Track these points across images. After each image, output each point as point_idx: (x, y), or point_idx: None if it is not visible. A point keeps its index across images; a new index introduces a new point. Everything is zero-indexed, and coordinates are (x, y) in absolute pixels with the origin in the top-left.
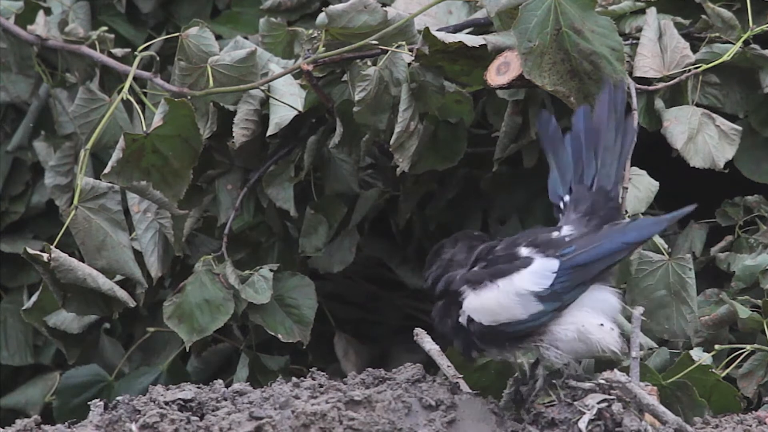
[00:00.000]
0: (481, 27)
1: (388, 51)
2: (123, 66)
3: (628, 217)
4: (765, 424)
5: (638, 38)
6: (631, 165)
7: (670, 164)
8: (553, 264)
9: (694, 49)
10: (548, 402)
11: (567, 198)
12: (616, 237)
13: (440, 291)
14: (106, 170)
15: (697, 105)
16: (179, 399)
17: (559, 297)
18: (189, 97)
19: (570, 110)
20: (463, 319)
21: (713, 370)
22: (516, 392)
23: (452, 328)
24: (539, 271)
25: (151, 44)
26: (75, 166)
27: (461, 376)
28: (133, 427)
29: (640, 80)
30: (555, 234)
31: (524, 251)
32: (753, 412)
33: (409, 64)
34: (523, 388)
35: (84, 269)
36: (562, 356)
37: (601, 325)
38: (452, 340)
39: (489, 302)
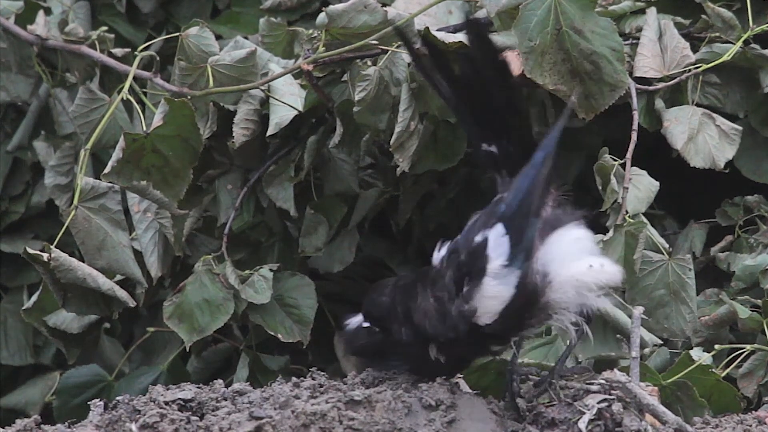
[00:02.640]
0: None
1: (388, 51)
2: (123, 66)
3: (630, 218)
4: (765, 424)
5: (638, 38)
6: (632, 165)
7: (671, 164)
8: (499, 229)
9: (695, 49)
10: (548, 402)
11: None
12: (527, 171)
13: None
14: (106, 170)
15: (698, 105)
16: (179, 399)
17: (521, 249)
18: (189, 97)
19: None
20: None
21: (713, 370)
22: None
23: (454, 320)
24: (495, 244)
25: (151, 44)
26: (75, 166)
27: (461, 376)
28: (133, 427)
29: (640, 80)
30: (494, 204)
31: (479, 237)
32: (753, 412)
33: (409, 64)
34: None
35: (84, 269)
36: (574, 316)
37: (590, 266)
38: (449, 339)
39: (491, 295)
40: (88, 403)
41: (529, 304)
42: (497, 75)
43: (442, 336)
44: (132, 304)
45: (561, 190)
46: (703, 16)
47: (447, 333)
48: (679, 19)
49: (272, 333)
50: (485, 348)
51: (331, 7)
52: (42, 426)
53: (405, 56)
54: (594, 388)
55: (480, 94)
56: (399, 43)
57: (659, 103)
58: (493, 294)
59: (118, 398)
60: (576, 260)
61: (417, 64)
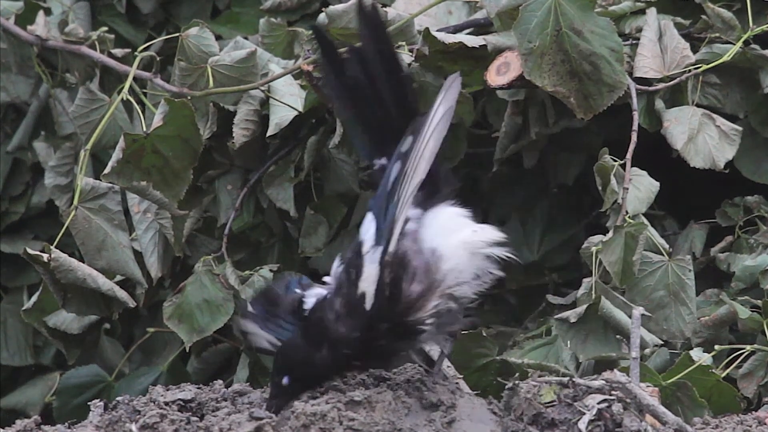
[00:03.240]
0: (481, 27)
1: None
2: (123, 66)
3: (630, 218)
4: (765, 424)
5: (638, 39)
6: (632, 165)
7: (671, 165)
8: (369, 216)
9: (695, 50)
10: (548, 402)
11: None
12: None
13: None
14: (106, 170)
15: (698, 105)
16: (179, 399)
17: (383, 228)
18: (189, 98)
19: (570, 111)
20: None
21: (713, 371)
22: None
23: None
24: (366, 230)
25: (151, 44)
26: (75, 166)
27: (461, 376)
28: (133, 427)
29: (640, 81)
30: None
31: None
32: (753, 412)
33: (409, 64)
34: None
35: (84, 269)
36: (469, 283)
37: (474, 231)
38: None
39: (365, 276)
40: (88, 403)
41: (401, 278)
42: (388, 70)
43: (350, 332)
44: (132, 304)
45: (455, 191)
46: (703, 17)
47: (351, 331)
48: (679, 19)
49: None
50: (398, 342)
51: (331, 7)
52: (42, 426)
53: (405, 57)
54: (596, 384)
55: (370, 96)
56: (399, 43)
57: (659, 104)
58: (367, 275)
59: (118, 399)
60: (458, 231)
61: (325, 65)
